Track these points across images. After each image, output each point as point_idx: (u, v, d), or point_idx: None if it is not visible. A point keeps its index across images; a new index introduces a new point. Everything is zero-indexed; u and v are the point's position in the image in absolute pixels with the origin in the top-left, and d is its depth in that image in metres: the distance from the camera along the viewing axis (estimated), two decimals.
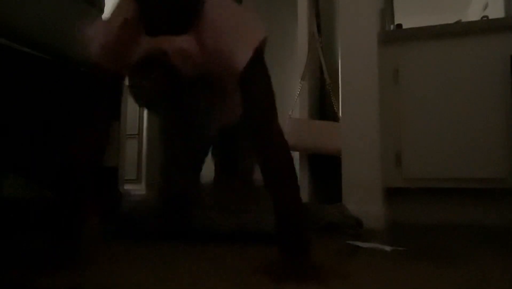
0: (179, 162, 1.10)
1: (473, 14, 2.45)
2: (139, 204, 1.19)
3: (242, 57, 0.76)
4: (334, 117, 1.95)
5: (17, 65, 1.24)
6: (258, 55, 0.78)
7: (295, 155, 2.02)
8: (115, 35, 0.82)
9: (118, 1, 0.86)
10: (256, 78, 0.79)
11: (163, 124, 1.13)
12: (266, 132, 0.77)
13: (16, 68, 1.23)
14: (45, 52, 1.33)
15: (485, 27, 1.63)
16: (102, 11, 1.62)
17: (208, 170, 1.25)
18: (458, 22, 1.82)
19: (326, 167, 1.98)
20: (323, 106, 2.15)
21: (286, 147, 0.77)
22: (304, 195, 2.00)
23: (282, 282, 0.62)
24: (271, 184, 0.75)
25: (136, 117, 2.27)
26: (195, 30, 0.80)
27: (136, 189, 2.03)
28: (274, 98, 0.79)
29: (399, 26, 1.98)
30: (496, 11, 2.14)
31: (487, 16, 2.04)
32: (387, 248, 0.93)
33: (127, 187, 1.79)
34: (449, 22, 1.75)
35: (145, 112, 2.29)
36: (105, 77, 0.89)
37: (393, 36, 1.75)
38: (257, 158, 0.77)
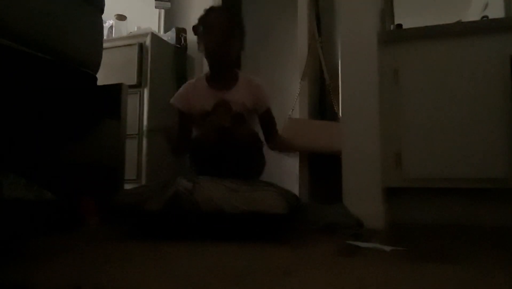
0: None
1: (473, 14, 2.44)
2: (139, 189, 1.18)
3: (264, 105, 1.50)
4: (334, 117, 1.96)
5: (17, 65, 1.24)
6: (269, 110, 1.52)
7: (295, 155, 2.03)
8: (199, 90, 1.51)
9: (197, 77, 1.60)
10: (269, 117, 1.53)
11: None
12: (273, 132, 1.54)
13: (16, 68, 1.23)
14: (45, 52, 1.33)
15: (485, 27, 1.63)
16: (102, 11, 1.62)
17: None
18: (458, 22, 1.82)
19: (326, 167, 1.98)
20: (323, 106, 2.15)
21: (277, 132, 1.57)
22: (304, 195, 2.00)
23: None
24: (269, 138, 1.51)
25: (136, 117, 2.27)
26: (236, 88, 1.48)
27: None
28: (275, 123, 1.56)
29: (399, 26, 1.98)
30: (496, 11, 2.14)
31: (487, 16, 2.04)
32: (387, 248, 0.93)
33: (127, 187, 1.79)
34: (449, 22, 1.75)
35: (145, 112, 2.29)
36: (188, 118, 1.51)
37: (393, 36, 1.75)
38: (266, 136, 1.54)
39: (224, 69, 1.49)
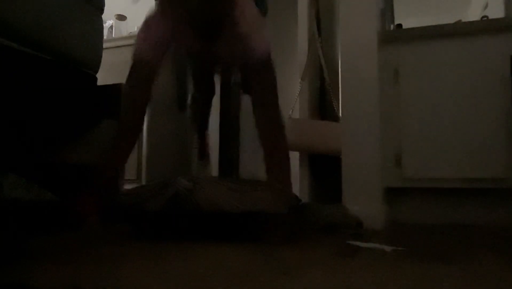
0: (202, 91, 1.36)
1: (473, 14, 2.44)
2: (138, 189, 1.18)
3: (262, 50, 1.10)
4: (334, 117, 1.96)
5: (17, 65, 1.24)
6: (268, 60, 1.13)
7: (295, 155, 2.02)
8: (168, 32, 1.13)
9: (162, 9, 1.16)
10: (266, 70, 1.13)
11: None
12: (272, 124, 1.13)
13: (16, 68, 1.23)
14: (45, 52, 1.33)
15: (485, 27, 1.63)
16: (102, 10, 1.62)
17: None
18: (458, 22, 1.83)
19: (326, 167, 1.98)
20: (323, 106, 2.15)
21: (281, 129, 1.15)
22: (304, 195, 2.00)
23: None
24: (261, 131, 1.09)
25: None
26: (228, 30, 1.11)
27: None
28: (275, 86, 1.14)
29: (399, 26, 1.98)
30: (496, 11, 2.14)
31: (487, 16, 2.04)
32: (387, 248, 0.93)
33: (127, 187, 1.79)
34: (449, 22, 1.75)
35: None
36: (147, 71, 1.15)
37: (393, 36, 1.75)
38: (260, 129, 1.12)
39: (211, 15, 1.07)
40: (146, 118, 2.25)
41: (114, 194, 1.28)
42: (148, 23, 1.14)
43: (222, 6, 1.07)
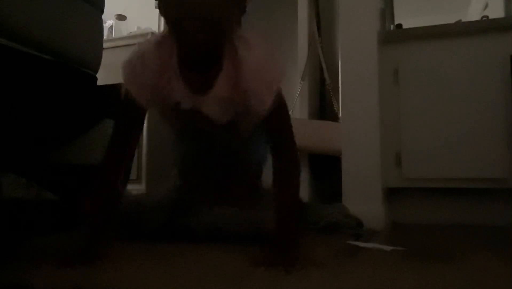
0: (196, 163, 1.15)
1: (473, 14, 2.44)
2: (140, 201, 1.17)
3: (268, 101, 0.84)
4: (334, 117, 1.96)
5: (17, 65, 1.24)
6: (280, 96, 0.88)
7: None
8: (154, 77, 0.89)
9: (157, 40, 0.94)
10: (278, 115, 0.90)
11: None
12: (286, 154, 0.94)
13: (16, 68, 1.23)
14: (45, 52, 1.33)
15: (485, 27, 1.63)
16: (102, 11, 1.62)
17: None
18: (458, 22, 1.82)
19: (326, 167, 1.98)
20: (323, 106, 2.15)
21: (298, 162, 0.97)
22: (304, 195, 2.00)
23: (271, 265, 0.73)
24: (278, 186, 0.91)
25: None
26: (227, 66, 0.86)
27: (136, 189, 2.03)
28: (292, 129, 0.94)
29: (399, 26, 1.98)
30: (496, 11, 2.14)
31: (487, 16, 2.04)
32: (387, 248, 0.93)
33: (127, 187, 1.78)
34: (449, 22, 1.75)
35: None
36: (136, 111, 0.98)
37: (393, 36, 1.75)
38: (274, 166, 0.93)
39: (208, 53, 0.85)
40: (146, 119, 2.26)
41: (115, 196, 1.28)
42: (133, 64, 0.92)
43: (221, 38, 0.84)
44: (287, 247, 0.82)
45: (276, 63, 0.88)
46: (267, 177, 1.32)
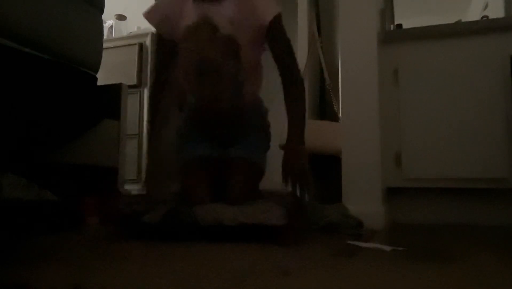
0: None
1: (473, 14, 2.44)
2: (139, 200, 1.17)
3: (271, 12, 1.07)
4: (334, 117, 1.96)
5: (17, 65, 1.24)
6: (280, 18, 1.11)
7: None
8: (172, 5, 1.14)
9: None
10: (280, 32, 1.13)
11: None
12: (292, 71, 1.17)
13: (16, 68, 1.23)
14: (45, 52, 1.33)
15: (485, 27, 1.63)
16: (102, 10, 1.62)
17: None
18: (458, 22, 1.82)
19: (326, 167, 1.98)
20: (323, 106, 2.15)
21: (302, 91, 1.20)
22: (305, 195, 2.00)
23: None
24: (289, 101, 1.15)
25: (136, 117, 2.27)
26: None
27: (136, 189, 2.03)
28: (292, 51, 1.17)
29: (399, 26, 1.98)
30: (496, 11, 2.14)
31: (487, 16, 2.04)
32: (387, 248, 0.93)
33: (127, 187, 1.79)
34: (449, 22, 1.75)
35: (145, 112, 2.30)
36: (165, 42, 1.18)
37: (393, 36, 1.75)
38: (284, 92, 1.16)
39: None
40: (146, 119, 2.27)
41: (114, 195, 1.28)
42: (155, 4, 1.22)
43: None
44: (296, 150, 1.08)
45: None
46: (266, 177, 1.35)
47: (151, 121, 1.26)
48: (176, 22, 1.12)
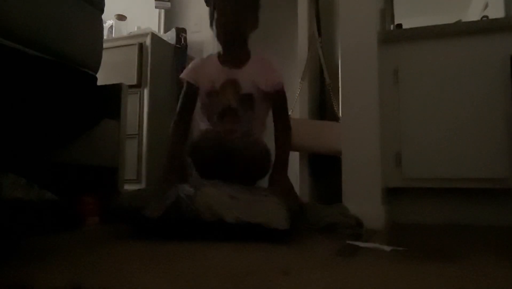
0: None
1: (473, 14, 2.44)
2: (139, 193, 1.16)
3: (273, 82, 1.45)
4: (334, 117, 1.95)
5: (17, 65, 1.24)
6: (282, 86, 1.48)
7: (295, 155, 2.03)
8: (209, 66, 1.49)
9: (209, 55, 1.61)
10: (281, 97, 1.49)
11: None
12: (284, 122, 1.50)
13: (16, 68, 1.23)
14: (45, 52, 1.33)
15: (485, 27, 1.63)
16: (102, 10, 1.61)
17: None
18: (458, 22, 1.82)
19: (326, 167, 1.98)
20: (323, 106, 2.15)
21: (289, 134, 1.52)
22: (304, 195, 2.00)
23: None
24: (279, 143, 1.45)
25: (136, 117, 2.27)
26: (247, 66, 1.47)
27: (136, 189, 2.03)
28: (288, 111, 1.55)
29: (399, 26, 1.98)
30: (496, 11, 2.14)
31: (487, 16, 2.04)
32: (387, 248, 0.93)
33: (127, 187, 1.79)
34: (449, 22, 1.75)
35: (145, 112, 2.30)
36: (195, 90, 1.48)
37: (393, 36, 1.75)
38: (276, 136, 1.46)
39: (237, 44, 1.46)
40: (146, 119, 2.27)
41: (114, 195, 1.28)
42: (196, 62, 1.58)
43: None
44: (282, 180, 1.37)
45: (277, 67, 1.51)
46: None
47: (172, 133, 1.47)
48: (203, 78, 1.45)
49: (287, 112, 1.53)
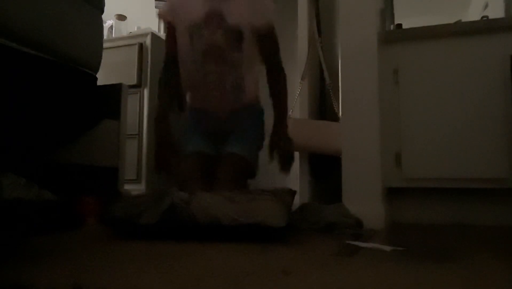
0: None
1: (473, 14, 2.45)
2: (134, 201, 1.16)
3: (266, 17, 1.34)
4: (334, 117, 1.95)
5: (17, 65, 1.24)
6: (272, 26, 1.37)
7: (295, 155, 2.02)
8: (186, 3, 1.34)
9: None
10: (271, 35, 1.37)
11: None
12: (277, 70, 1.41)
13: (16, 68, 1.23)
14: (45, 52, 1.33)
15: (485, 27, 1.63)
16: (102, 10, 1.62)
17: None
18: (458, 22, 1.82)
19: (326, 167, 1.97)
20: (323, 106, 2.15)
21: (284, 77, 1.43)
22: (304, 195, 2.00)
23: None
24: (273, 93, 1.39)
25: (136, 117, 2.27)
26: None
27: (136, 189, 2.03)
28: (279, 49, 1.43)
29: (399, 26, 1.98)
30: (496, 11, 2.14)
31: (487, 16, 2.04)
32: (387, 248, 0.93)
33: (127, 187, 1.79)
34: (449, 22, 1.75)
35: (145, 112, 2.29)
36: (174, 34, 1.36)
37: (393, 36, 1.75)
38: (269, 80, 1.40)
39: None
40: (146, 119, 2.27)
41: (114, 194, 1.28)
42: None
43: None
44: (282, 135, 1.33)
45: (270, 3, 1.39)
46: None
47: (159, 103, 1.42)
48: (183, 14, 1.30)
49: (280, 58, 1.43)
